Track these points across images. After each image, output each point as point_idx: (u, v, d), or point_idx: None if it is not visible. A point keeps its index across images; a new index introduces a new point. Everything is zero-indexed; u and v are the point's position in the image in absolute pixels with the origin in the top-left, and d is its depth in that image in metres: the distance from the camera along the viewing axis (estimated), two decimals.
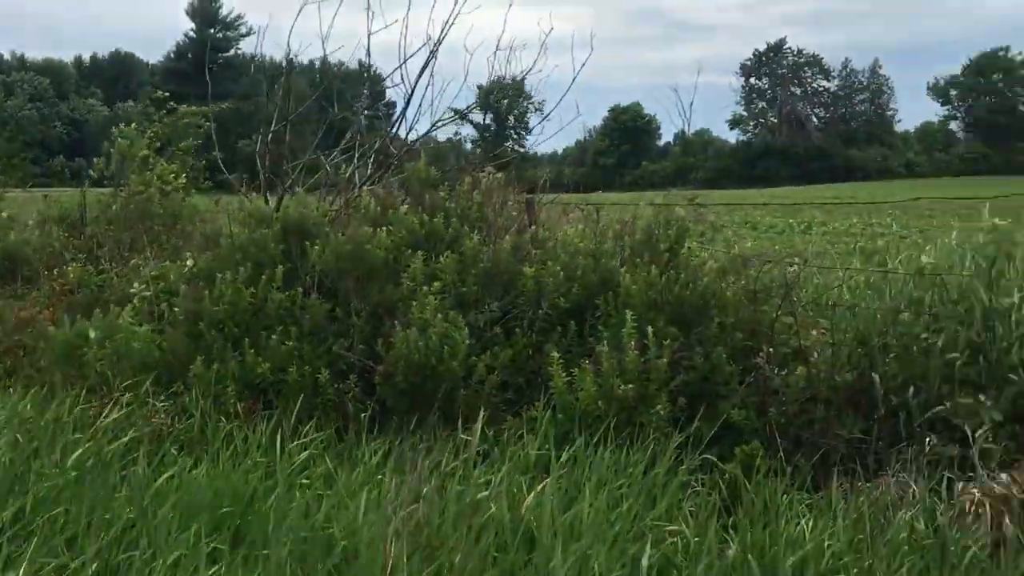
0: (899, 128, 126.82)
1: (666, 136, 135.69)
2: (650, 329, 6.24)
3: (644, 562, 4.62)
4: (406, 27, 9.69)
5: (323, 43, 9.96)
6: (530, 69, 10.18)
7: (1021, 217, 8.29)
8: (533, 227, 8.24)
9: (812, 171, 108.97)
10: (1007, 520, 5.53)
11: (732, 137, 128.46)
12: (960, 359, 6.51)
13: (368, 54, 10.15)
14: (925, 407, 6.38)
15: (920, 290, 7.03)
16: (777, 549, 4.71)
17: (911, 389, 6.42)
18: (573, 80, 9.98)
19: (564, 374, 6.40)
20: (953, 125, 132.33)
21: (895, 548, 4.87)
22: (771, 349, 6.66)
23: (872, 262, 8.08)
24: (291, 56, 10.38)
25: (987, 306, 6.77)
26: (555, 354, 6.41)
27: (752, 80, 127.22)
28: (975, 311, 6.78)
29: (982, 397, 6.23)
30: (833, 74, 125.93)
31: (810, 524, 4.97)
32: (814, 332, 6.89)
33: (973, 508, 5.65)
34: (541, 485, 5.28)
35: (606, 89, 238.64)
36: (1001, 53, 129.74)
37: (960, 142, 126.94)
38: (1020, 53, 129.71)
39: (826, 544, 4.78)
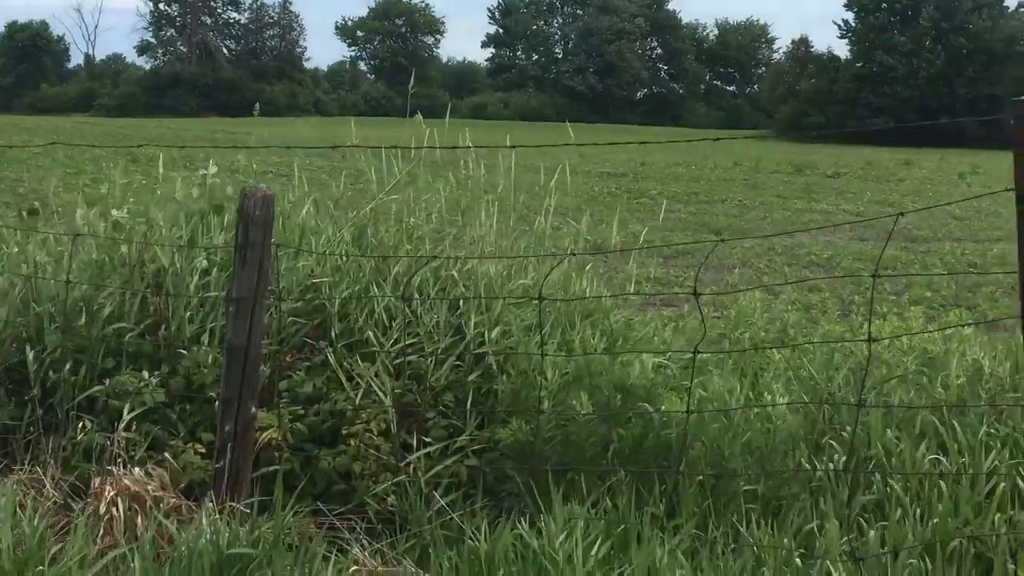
0: (309, 66, 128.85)
1: (77, 59, 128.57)
2: None
3: None
4: None
5: None
6: None
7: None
8: None
9: (222, 103, 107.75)
10: (140, 521, 4.79)
11: (145, 64, 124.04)
12: (134, 329, 5.70)
13: None
14: (84, 386, 5.50)
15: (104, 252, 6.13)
16: None
17: (68, 364, 5.51)
18: None
19: None
20: (362, 65, 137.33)
21: None
22: None
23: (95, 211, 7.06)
24: None
25: (171, 268, 6.01)
26: None
27: (161, 6, 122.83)
28: (161, 274, 6.01)
29: (146, 374, 5.45)
30: (244, 7, 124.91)
31: None
32: None
33: (108, 507, 4.86)
34: None
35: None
36: None
37: (368, 82, 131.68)
38: (422, 0, 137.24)
39: None
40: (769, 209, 27.46)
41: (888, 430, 4.82)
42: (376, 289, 5.69)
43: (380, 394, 5.22)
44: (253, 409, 4.86)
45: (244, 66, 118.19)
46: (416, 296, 5.60)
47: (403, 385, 5.34)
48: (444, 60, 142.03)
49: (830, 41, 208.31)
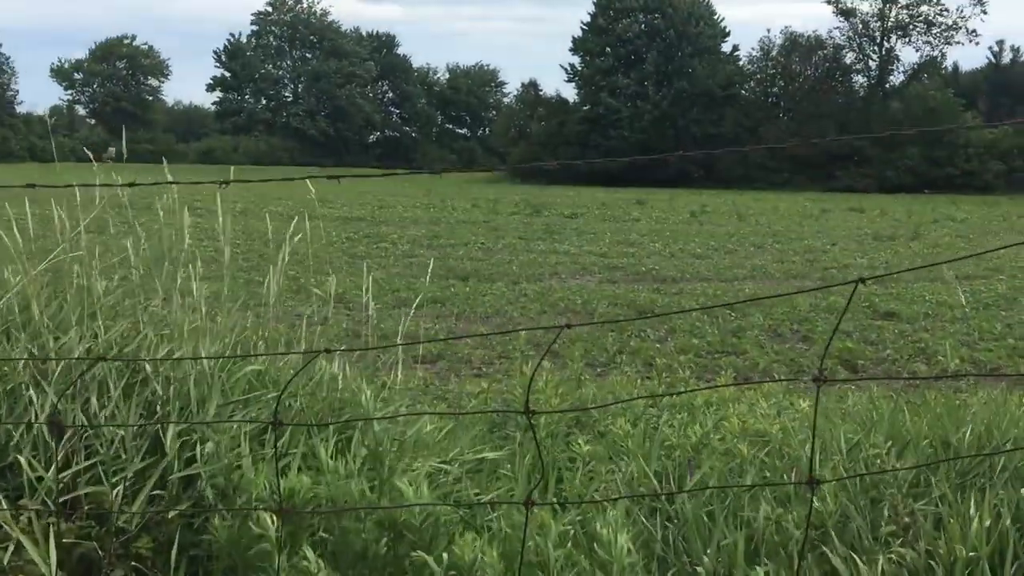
0: (22, 110, 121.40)
1: None
2: None
3: None
4: None
5: None
6: None
7: None
8: None
9: None
10: None
11: None
12: None
13: None
14: None
15: None
16: None
17: None
18: None
19: None
20: (81, 109, 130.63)
21: None
22: None
23: None
24: None
25: None
26: None
27: None
28: None
29: None
30: None
31: None
32: None
33: None
34: None
35: None
36: (126, 41, 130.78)
37: (87, 127, 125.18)
38: (146, 43, 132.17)
39: None
40: (513, 251, 26.64)
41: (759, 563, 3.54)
42: (34, 391, 3.98)
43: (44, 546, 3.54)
44: None
45: None
46: (93, 399, 3.93)
47: (78, 530, 3.67)
48: (170, 104, 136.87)
49: (559, 85, 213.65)
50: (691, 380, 7.96)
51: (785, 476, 4.35)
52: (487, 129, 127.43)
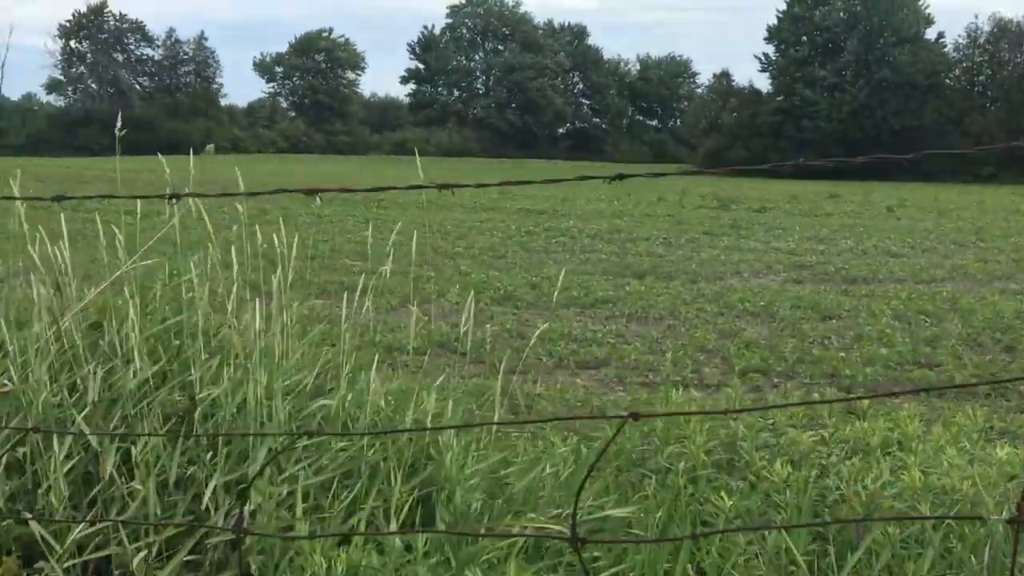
0: (225, 103, 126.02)
1: None
2: None
3: None
4: None
5: None
6: None
7: None
8: None
9: (137, 142, 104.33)
10: None
11: (56, 103, 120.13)
12: None
13: None
14: None
15: None
16: None
17: None
18: None
19: None
20: (282, 103, 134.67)
21: None
22: None
23: None
24: None
25: None
26: None
27: (72, 43, 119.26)
28: None
29: None
30: (157, 43, 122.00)
31: None
32: None
33: None
34: None
35: None
36: (325, 34, 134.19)
37: (287, 119, 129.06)
38: (343, 36, 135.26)
39: None
40: (696, 247, 25.63)
41: None
42: (56, 433, 3.43)
43: None
44: None
45: (157, 103, 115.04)
46: (137, 443, 3.35)
47: None
48: (367, 96, 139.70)
49: (752, 75, 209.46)
50: (872, 407, 7.01)
51: (974, 556, 3.47)
52: (678, 120, 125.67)
